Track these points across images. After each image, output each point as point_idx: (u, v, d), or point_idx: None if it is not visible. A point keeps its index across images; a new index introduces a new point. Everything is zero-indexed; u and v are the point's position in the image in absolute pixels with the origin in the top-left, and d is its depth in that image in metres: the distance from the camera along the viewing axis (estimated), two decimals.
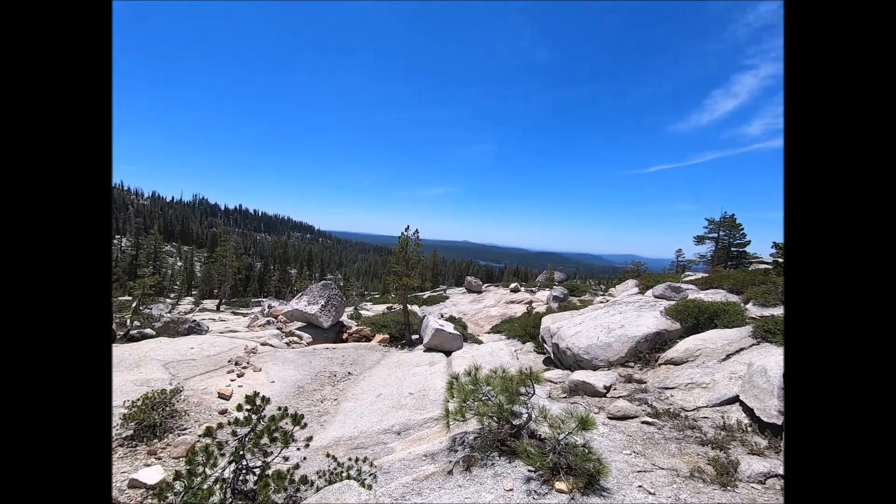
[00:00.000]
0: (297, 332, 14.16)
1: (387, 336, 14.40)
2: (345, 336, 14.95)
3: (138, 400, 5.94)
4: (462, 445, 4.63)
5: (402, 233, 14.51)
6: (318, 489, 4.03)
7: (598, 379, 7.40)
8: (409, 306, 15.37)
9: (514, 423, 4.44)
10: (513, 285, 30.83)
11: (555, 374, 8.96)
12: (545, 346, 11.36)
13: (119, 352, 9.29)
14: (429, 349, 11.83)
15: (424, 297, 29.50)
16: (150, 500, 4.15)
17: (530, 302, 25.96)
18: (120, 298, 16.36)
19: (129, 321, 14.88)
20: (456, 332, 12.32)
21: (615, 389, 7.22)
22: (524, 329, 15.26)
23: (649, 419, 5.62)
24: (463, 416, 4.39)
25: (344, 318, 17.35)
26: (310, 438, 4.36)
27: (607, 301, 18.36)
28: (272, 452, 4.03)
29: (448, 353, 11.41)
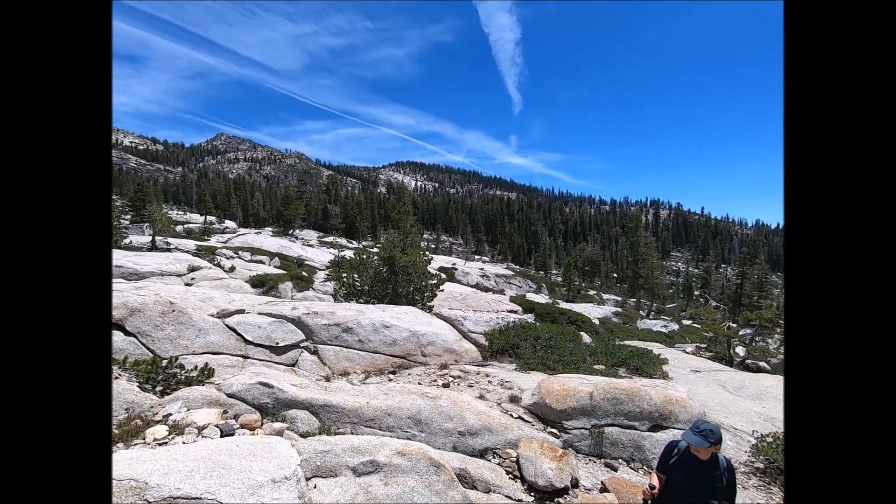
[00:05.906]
0: None
1: None
2: None
3: (768, 436, 6.59)
4: None
5: None
6: None
7: None
8: None
9: None
10: None
11: None
12: None
13: (738, 377, 9.78)
14: None
15: None
16: None
17: None
18: (732, 325, 16.94)
19: (734, 349, 15.25)
20: None
21: None
22: None
23: None
24: None
25: None
26: None
27: None
28: None
29: None
